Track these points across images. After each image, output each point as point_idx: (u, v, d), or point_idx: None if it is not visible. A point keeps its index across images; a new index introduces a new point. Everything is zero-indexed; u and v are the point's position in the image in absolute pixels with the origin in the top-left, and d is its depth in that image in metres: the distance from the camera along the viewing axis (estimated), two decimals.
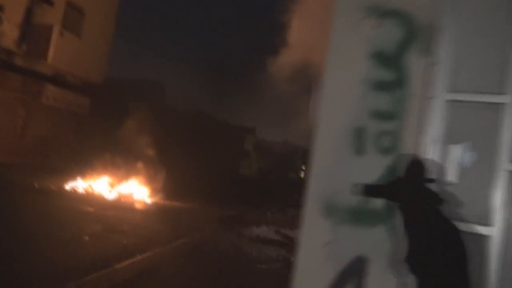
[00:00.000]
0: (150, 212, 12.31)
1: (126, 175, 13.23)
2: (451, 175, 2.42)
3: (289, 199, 21.49)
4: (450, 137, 2.45)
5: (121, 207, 12.05)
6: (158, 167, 14.64)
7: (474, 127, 2.43)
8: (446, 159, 2.43)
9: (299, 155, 41.32)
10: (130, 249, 7.90)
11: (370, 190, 2.42)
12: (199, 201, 15.35)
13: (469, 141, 2.43)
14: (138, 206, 12.48)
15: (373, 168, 2.49)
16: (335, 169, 2.56)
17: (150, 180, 13.75)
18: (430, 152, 2.43)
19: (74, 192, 12.57)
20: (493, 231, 2.35)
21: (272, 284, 7.09)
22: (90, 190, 12.81)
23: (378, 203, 2.47)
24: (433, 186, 2.36)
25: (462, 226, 2.37)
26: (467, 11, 2.48)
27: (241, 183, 22.40)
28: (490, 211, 2.36)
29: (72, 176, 13.21)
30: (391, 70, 2.50)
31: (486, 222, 2.35)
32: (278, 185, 26.92)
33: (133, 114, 16.17)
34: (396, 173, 2.44)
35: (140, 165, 13.76)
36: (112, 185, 13.38)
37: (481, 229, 2.37)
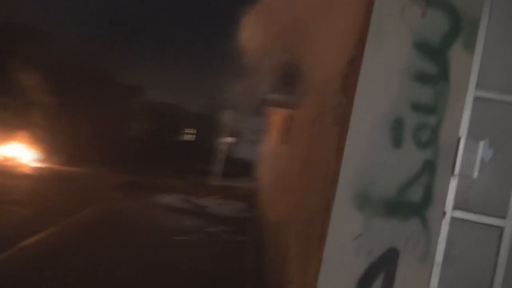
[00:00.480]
0: (42, 179, 11.03)
1: (9, 136, 11.55)
2: (475, 170, 2.52)
3: (185, 164, 21.13)
4: (476, 134, 2.53)
5: (7, 173, 10.58)
6: (45, 127, 13.10)
7: (498, 125, 2.54)
8: (471, 155, 2.51)
9: (185, 118, 40.87)
10: (32, 223, 7.11)
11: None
12: (92, 165, 14.23)
13: (490, 138, 2.54)
14: (27, 171, 11.05)
15: (410, 161, 2.46)
16: (370, 160, 2.47)
17: (38, 142, 12.25)
18: (459, 147, 2.48)
19: None
20: (507, 223, 2.53)
21: (197, 257, 6.93)
22: None
23: (413, 196, 2.46)
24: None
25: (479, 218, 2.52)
26: (503, 8, 2.53)
27: (132, 145, 21.34)
28: (506, 204, 2.52)
29: None
30: (435, 63, 2.46)
31: (502, 215, 2.52)
32: (169, 148, 26.29)
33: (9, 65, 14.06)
34: (433, 167, 2.45)
35: (24, 125, 12.13)
36: None
37: (496, 221, 2.53)
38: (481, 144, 2.53)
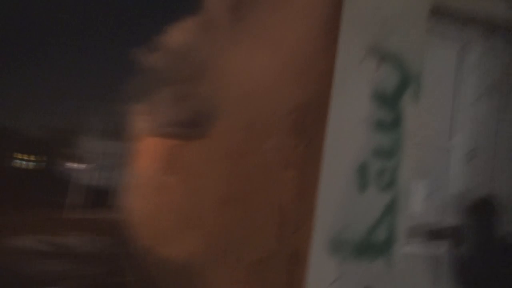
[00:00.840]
0: None
1: None
2: (419, 206, 2.82)
3: (31, 195, 18.61)
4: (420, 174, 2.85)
5: None
6: None
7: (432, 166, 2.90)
8: (416, 193, 2.81)
9: (24, 143, 36.17)
10: None
11: (436, 234, 2.55)
12: None
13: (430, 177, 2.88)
14: None
15: (374, 204, 2.62)
16: (341, 205, 2.55)
17: None
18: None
19: None
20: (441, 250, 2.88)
21: None
22: None
23: (379, 236, 2.61)
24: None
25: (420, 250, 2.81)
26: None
27: None
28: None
29: None
30: (390, 112, 2.68)
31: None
32: (9, 178, 22.89)
33: None
34: (394, 208, 2.65)
35: None
36: None
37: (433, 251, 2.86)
38: (424, 183, 2.84)
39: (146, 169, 10.57)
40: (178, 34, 5.12)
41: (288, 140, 3.06)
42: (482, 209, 2.90)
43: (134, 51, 7.65)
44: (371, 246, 2.59)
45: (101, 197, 18.54)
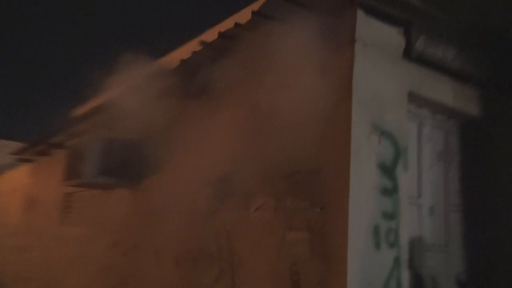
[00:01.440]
0: None
1: None
2: None
3: None
4: None
5: None
6: None
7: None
8: None
9: None
10: None
11: None
12: None
13: None
14: None
15: (386, 260, 3.05)
16: (365, 263, 2.92)
17: None
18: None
19: None
20: None
21: None
22: None
23: None
24: None
25: None
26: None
27: None
28: None
29: None
30: (389, 179, 3.19)
31: None
32: None
33: None
34: (399, 262, 3.11)
35: None
36: None
37: None
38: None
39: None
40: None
41: (293, 202, 3.33)
42: None
43: None
44: None
45: None
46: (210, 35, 4.28)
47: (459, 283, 3.77)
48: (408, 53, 3.53)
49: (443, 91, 3.80)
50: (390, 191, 3.19)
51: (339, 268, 2.87)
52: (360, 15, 3.28)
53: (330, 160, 3.14)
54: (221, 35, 3.96)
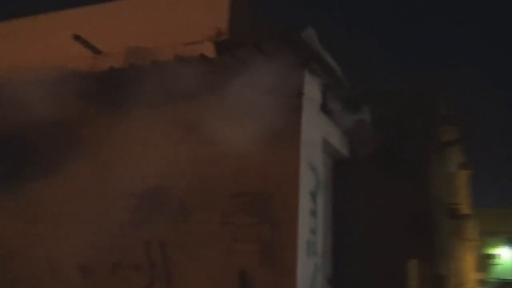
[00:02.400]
0: None
1: None
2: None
3: None
4: None
5: None
6: None
7: None
8: None
9: None
10: None
11: None
12: None
13: None
14: None
15: (312, 265, 4.01)
16: (306, 268, 3.81)
17: None
18: None
19: None
20: None
21: None
22: None
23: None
24: None
25: None
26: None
27: None
28: None
29: None
30: (314, 204, 4.20)
31: None
32: None
33: None
34: (318, 268, 4.10)
35: None
36: None
37: None
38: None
39: None
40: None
41: (241, 218, 3.95)
42: None
43: None
44: None
45: None
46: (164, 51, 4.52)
47: (329, 281, 5.00)
48: (323, 107, 4.63)
49: (336, 137, 5.05)
50: (314, 212, 4.17)
51: (290, 273, 3.65)
52: (306, 74, 4.21)
53: (280, 186, 3.91)
54: (177, 57, 4.28)
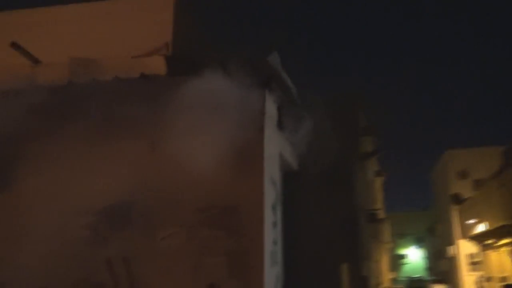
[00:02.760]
0: None
1: None
2: None
3: None
4: None
5: None
6: None
7: None
8: None
9: None
10: None
11: None
12: None
13: None
14: None
15: (274, 274, 4.27)
16: (269, 277, 4.07)
17: None
18: None
19: None
20: None
21: None
22: None
23: None
24: None
25: None
26: None
27: None
28: None
29: None
30: (275, 216, 4.48)
31: None
32: None
33: None
34: (278, 277, 4.37)
35: None
36: None
37: None
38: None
39: None
40: None
41: (208, 232, 4.10)
42: None
43: None
44: None
45: None
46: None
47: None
48: (278, 124, 4.95)
49: (288, 152, 5.39)
50: (276, 224, 4.44)
51: (257, 283, 3.88)
52: (267, 93, 4.50)
53: (246, 200, 4.13)
54: (142, 75, 4.34)
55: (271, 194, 4.34)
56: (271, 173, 4.43)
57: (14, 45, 5.66)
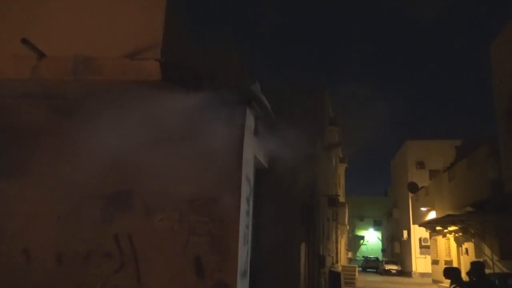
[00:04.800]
0: None
1: None
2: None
3: None
4: None
5: None
6: None
7: None
8: None
9: None
10: None
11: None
12: None
13: None
14: None
15: (246, 251, 5.51)
16: (243, 253, 5.30)
17: None
18: None
19: None
20: None
21: None
22: None
23: (246, 267, 5.50)
24: None
25: None
26: None
27: None
28: None
29: None
30: (248, 205, 5.69)
31: None
32: None
33: None
34: (248, 254, 5.61)
35: None
36: None
37: None
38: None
39: None
40: None
41: (195, 217, 5.26)
42: None
43: None
44: (246, 271, 5.42)
45: None
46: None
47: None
48: (255, 132, 6.10)
49: (261, 154, 6.57)
50: (248, 212, 5.65)
51: (232, 258, 5.09)
52: (247, 110, 5.63)
53: (226, 194, 5.29)
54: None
55: (246, 189, 5.52)
56: (247, 172, 5.61)
57: (24, 41, 6.23)
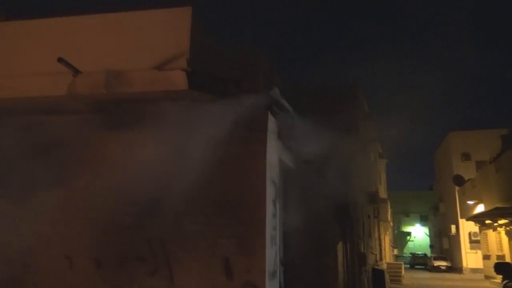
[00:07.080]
0: None
1: None
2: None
3: None
4: None
5: None
6: None
7: None
8: None
9: None
10: None
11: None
12: None
13: None
14: None
15: (274, 251, 5.62)
16: (269, 254, 5.42)
17: None
18: None
19: None
20: None
21: None
22: None
23: (275, 267, 5.61)
24: None
25: None
26: None
27: None
28: None
29: None
30: (275, 209, 5.80)
31: None
32: None
33: None
34: (277, 254, 5.72)
35: None
36: None
37: None
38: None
39: None
40: None
41: (222, 220, 5.43)
42: None
43: None
44: (275, 272, 5.54)
45: None
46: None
47: (281, 262, 6.66)
48: (279, 136, 6.20)
49: (287, 156, 6.67)
50: (275, 215, 5.77)
51: (260, 259, 5.22)
52: (269, 115, 5.73)
53: (252, 197, 5.43)
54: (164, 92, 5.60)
55: (271, 192, 5.64)
56: (272, 175, 5.72)
57: (60, 60, 6.55)
